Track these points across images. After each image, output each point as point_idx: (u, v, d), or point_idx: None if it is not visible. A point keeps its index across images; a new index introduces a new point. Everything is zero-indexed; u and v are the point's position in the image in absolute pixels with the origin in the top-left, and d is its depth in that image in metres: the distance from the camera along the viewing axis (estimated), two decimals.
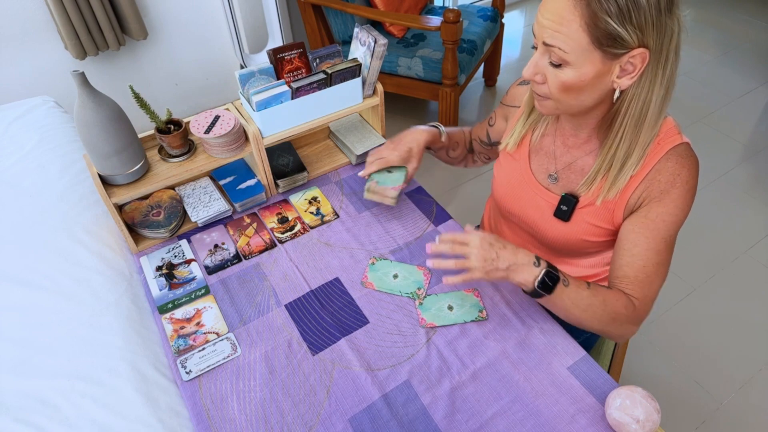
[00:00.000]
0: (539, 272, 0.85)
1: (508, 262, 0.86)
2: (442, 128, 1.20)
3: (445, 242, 0.90)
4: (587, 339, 1.17)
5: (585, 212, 0.97)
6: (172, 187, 1.21)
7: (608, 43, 0.76)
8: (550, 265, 0.87)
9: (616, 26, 0.74)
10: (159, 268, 1.11)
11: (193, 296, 1.06)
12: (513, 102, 1.10)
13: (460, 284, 0.93)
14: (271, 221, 1.21)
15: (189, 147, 1.15)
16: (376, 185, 1.17)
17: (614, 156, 0.89)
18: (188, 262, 1.12)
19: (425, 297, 1.03)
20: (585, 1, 0.74)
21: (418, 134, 1.17)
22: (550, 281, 0.85)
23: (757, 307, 1.88)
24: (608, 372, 1.22)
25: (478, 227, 1.41)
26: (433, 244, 0.91)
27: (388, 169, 1.20)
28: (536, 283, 0.85)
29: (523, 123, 1.04)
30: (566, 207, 0.98)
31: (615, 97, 0.84)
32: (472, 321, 0.99)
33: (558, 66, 0.81)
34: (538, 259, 0.87)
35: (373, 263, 1.10)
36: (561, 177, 1.00)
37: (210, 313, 1.03)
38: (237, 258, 1.13)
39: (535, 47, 0.85)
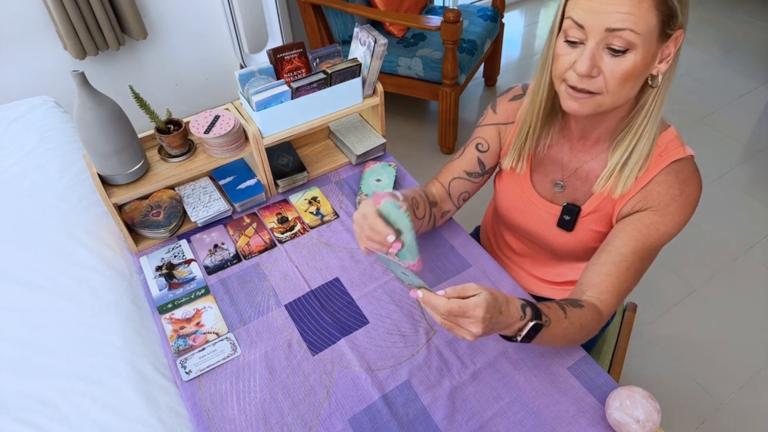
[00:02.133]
0: (523, 325, 0.76)
1: (501, 326, 0.75)
2: (397, 193, 0.93)
3: (445, 312, 0.72)
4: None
5: (588, 220, 0.96)
6: (172, 187, 1.21)
7: (668, 23, 0.73)
8: (535, 314, 0.77)
9: (675, 3, 0.72)
10: (159, 268, 1.11)
11: (192, 296, 1.06)
12: (507, 119, 1.04)
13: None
14: (270, 221, 1.20)
15: (189, 147, 1.15)
16: (366, 198, 1.18)
17: (634, 148, 0.86)
18: (188, 262, 1.12)
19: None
20: None
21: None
22: (533, 332, 0.77)
23: (757, 307, 1.88)
24: (608, 372, 1.21)
25: (478, 228, 1.41)
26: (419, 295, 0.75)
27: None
28: (519, 338, 0.78)
29: (524, 140, 0.98)
30: (569, 217, 0.97)
31: (657, 83, 0.80)
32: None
33: (622, 53, 0.74)
34: (523, 309, 0.77)
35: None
36: (567, 184, 0.98)
37: (210, 313, 1.03)
38: (237, 258, 1.13)
39: (569, 42, 0.77)
